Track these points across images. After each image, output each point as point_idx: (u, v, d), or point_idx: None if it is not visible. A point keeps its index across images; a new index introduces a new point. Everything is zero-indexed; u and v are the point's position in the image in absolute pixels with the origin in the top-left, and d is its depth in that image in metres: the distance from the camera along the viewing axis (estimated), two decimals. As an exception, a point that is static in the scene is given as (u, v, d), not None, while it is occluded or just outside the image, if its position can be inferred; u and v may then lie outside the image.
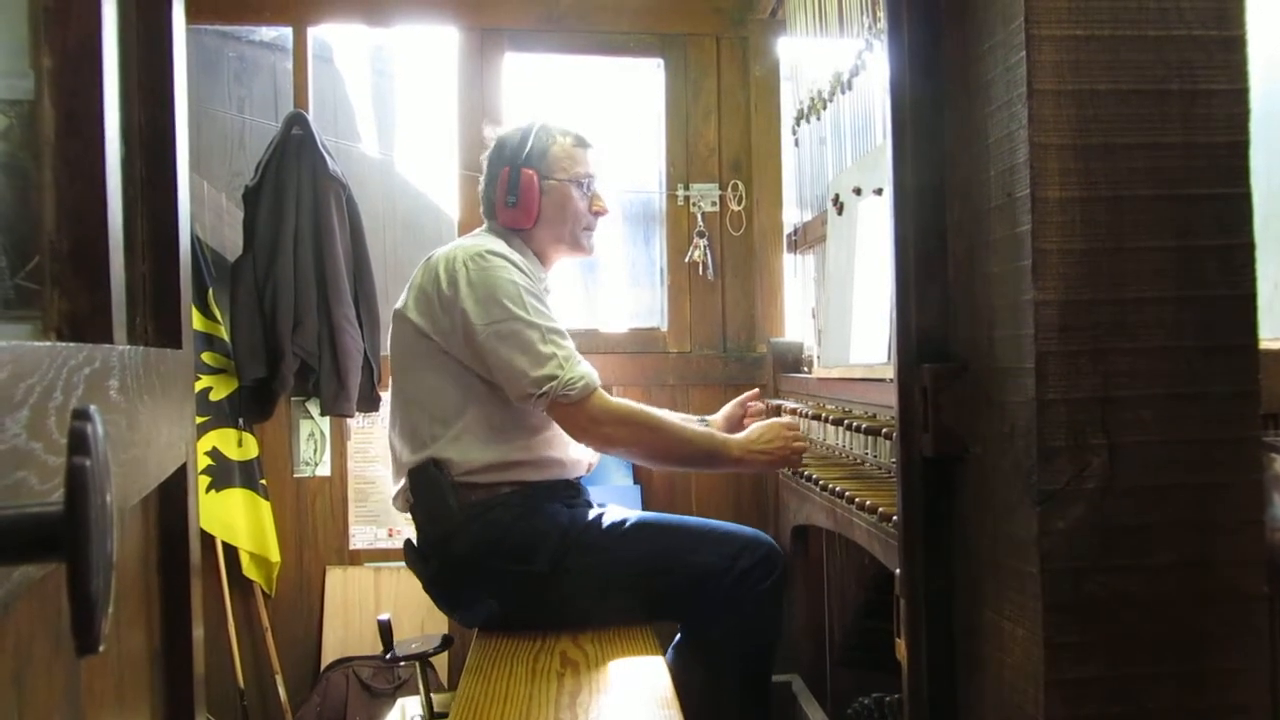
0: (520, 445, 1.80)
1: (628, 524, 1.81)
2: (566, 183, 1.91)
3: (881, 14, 1.54)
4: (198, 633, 0.94)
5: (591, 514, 1.82)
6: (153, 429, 0.75)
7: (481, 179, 1.98)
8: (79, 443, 0.40)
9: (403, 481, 1.84)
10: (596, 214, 1.97)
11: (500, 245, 1.83)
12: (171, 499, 0.89)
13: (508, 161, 1.90)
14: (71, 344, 0.54)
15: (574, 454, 1.89)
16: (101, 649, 0.41)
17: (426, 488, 1.77)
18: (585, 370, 1.74)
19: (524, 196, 1.88)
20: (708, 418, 2.13)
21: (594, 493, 2.03)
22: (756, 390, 2.23)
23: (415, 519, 1.84)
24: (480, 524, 1.75)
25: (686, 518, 1.89)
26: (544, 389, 1.70)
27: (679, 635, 1.90)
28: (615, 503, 2.07)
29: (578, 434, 1.78)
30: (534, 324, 1.73)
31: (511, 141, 1.92)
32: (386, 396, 2.58)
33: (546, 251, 1.96)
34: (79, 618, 0.40)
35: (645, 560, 1.77)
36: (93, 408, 0.41)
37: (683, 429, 1.84)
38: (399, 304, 1.87)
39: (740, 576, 1.75)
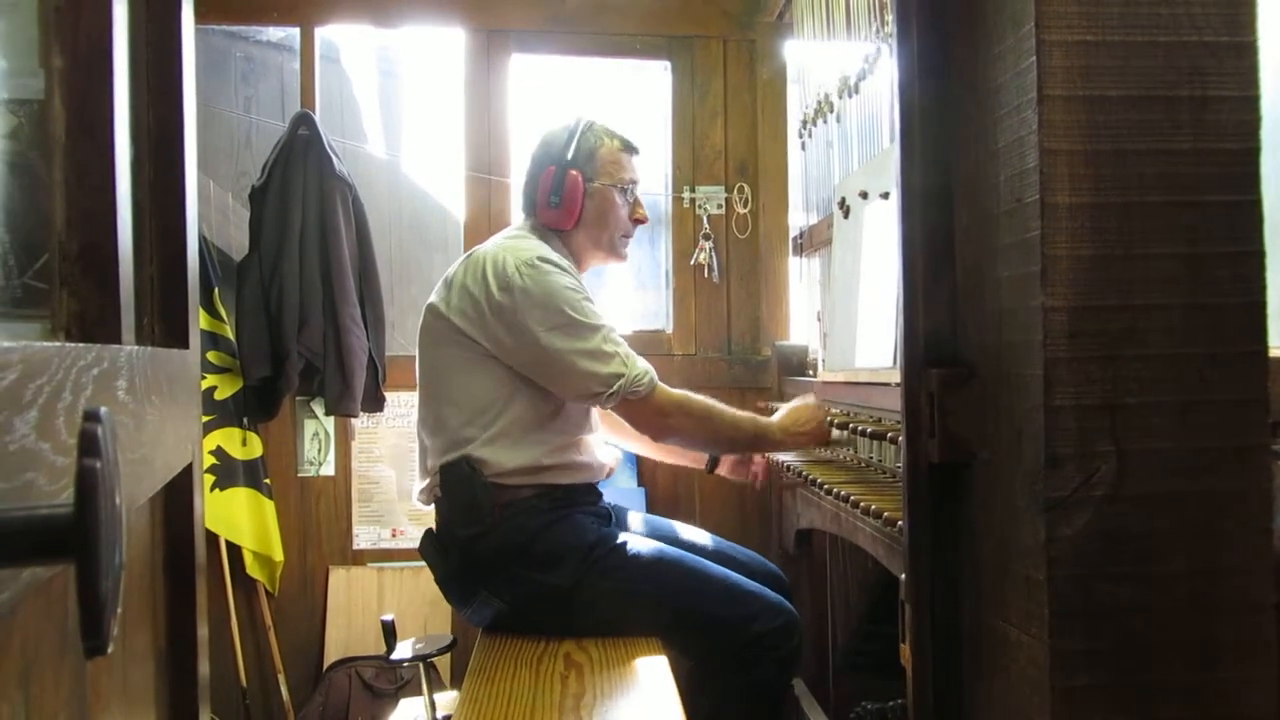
0: (551, 448, 1.80)
1: (652, 556, 1.81)
2: (610, 188, 1.90)
3: (889, 18, 1.54)
4: (202, 632, 0.93)
5: (619, 537, 1.82)
6: (160, 429, 0.75)
7: (525, 174, 1.96)
8: (89, 444, 0.40)
9: (430, 477, 1.83)
10: (637, 222, 1.96)
11: (547, 250, 1.83)
12: (178, 499, 0.89)
13: (553, 160, 1.88)
14: (80, 344, 0.54)
15: (600, 458, 1.90)
16: (110, 650, 0.41)
17: (457, 485, 1.76)
18: (647, 365, 1.79)
19: (567, 198, 1.86)
20: None
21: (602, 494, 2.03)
22: None
23: (440, 513, 1.84)
24: (508, 527, 1.75)
25: (710, 565, 1.86)
26: (614, 386, 1.74)
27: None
28: (620, 504, 2.07)
29: (644, 427, 1.85)
30: (595, 326, 1.75)
31: (558, 140, 1.90)
32: (392, 396, 2.60)
33: (583, 255, 1.95)
34: (88, 619, 0.40)
35: (663, 597, 1.77)
36: (104, 409, 0.41)
37: (733, 415, 1.88)
38: (435, 299, 1.84)
39: (755, 640, 1.75)
